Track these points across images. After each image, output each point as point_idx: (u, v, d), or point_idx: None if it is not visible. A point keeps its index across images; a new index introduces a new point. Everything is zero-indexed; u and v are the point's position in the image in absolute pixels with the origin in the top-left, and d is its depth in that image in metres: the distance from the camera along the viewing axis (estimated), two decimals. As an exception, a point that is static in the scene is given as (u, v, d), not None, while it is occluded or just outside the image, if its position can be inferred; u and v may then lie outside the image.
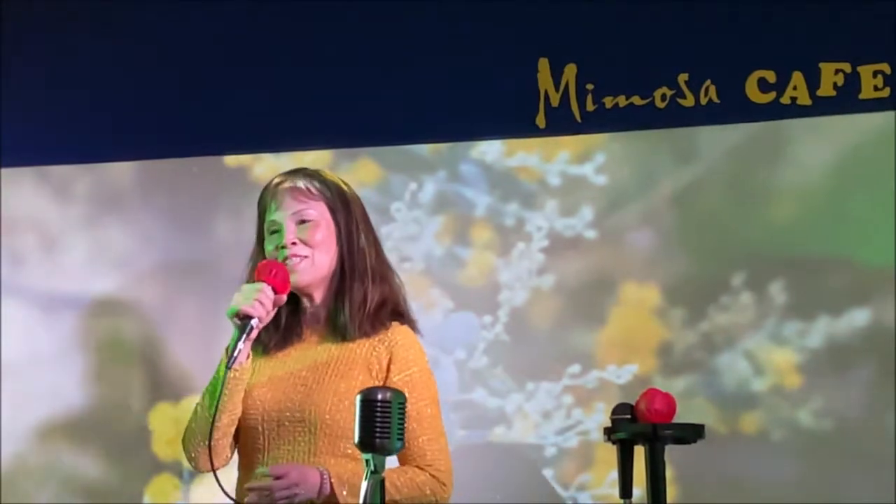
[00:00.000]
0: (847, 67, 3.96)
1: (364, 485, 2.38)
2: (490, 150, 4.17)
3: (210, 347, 4.13)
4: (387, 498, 2.75)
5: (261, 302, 2.79)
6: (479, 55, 4.16)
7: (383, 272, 2.97)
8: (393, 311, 2.96)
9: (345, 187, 3.00)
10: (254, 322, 2.78)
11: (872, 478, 3.81)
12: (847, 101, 3.95)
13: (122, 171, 4.38)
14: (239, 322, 2.79)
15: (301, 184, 2.95)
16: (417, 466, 2.87)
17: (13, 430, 4.31)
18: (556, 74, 4.12)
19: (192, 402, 4.23)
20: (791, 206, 3.98)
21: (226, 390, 2.81)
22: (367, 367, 2.89)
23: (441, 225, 4.18)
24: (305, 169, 3.03)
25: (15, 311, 4.37)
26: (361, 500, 2.37)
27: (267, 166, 4.27)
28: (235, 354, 2.77)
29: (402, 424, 2.38)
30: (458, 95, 4.16)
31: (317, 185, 2.96)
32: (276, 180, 2.98)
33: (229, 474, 2.86)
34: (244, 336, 2.78)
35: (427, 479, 2.86)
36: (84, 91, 4.40)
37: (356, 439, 2.37)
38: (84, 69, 4.41)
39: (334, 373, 2.88)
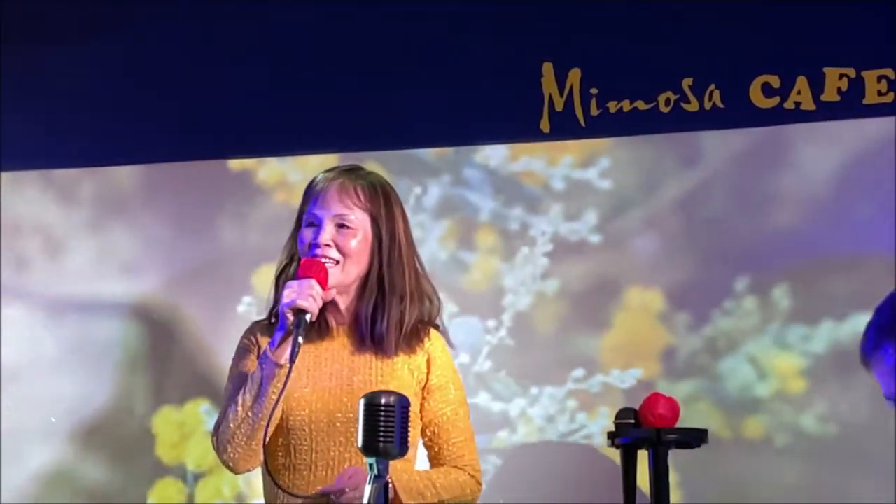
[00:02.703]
0: (851, 72, 3.95)
1: (367, 489, 2.37)
2: (494, 154, 4.17)
3: (214, 351, 4.15)
4: (434, 499, 2.80)
5: (314, 297, 2.80)
6: (483, 59, 4.16)
7: (423, 291, 2.95)
8: (429, 325, 2.97)
9: (395, 199, 2.96)
10: (308, 317, 2.79)
11: (876, 483, 3.80)
12: (851, 106, 3.94)
13: (126, 175, 4.38)
14: (293, 317, 2.78)
15: (351, 186, 2.92)
16: (456, 467, 2.91)
17: (15, 434, 4.30)
18: (561, 79, 4.12)
19: (195, 405, 4.28)
20: (795, 211, 3.97)
21: (276, 388, 2.78)
22: (409, 371, 2.91)
23: (445, 229, 4.17)
24: (360, 170, 2.99)
25: (18, 314, 4.37)
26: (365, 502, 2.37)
27: (271, 170, 4.27)
28: (297, 350, 2.75)
29: (406, 428, 2.38)
30: (463, 100, 4.16)
31: (367, 192, 2.92)
32: (329, 175, 2.95)
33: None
34: (299, 331, 2.77)
35: (468, 480, 2.91)
36: (88, 94, 4.39)
37: (360, 443, 2.37)
38: (88, 72, 4.40)
39: (380, 374, 2.89)
